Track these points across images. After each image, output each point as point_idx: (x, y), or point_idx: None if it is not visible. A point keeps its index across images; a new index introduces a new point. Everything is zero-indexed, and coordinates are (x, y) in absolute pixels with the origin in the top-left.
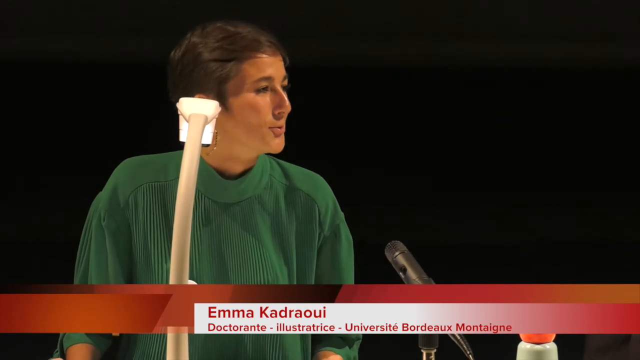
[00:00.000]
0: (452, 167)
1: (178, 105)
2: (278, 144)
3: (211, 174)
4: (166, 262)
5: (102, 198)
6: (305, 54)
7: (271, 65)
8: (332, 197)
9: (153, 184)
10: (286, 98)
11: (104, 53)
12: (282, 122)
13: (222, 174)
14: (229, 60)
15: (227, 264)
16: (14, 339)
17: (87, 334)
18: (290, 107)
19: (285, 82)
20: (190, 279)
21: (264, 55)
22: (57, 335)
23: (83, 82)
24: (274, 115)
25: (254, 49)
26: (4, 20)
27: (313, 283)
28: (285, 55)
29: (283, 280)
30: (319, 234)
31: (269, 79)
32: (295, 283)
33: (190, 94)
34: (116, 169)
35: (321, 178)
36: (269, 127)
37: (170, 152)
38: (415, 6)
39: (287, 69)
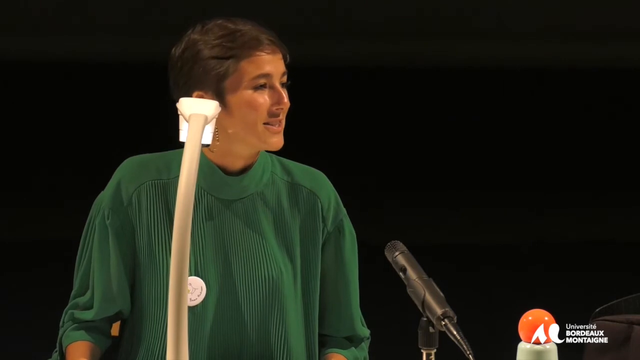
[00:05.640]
0: (453, 168)
1: (178, 105)
2: (276, 141)
3: (214, 170)
4: (170, 260)
5: (105, 197)
6: (304, 53)
7: (269, 63)
8: (334, 193)
9: (156, 181)
10: (285, 95)
11: (106, 53)
12: (280, 118)
13: (224, 170)
14: (228, 58)
15: (231, 260)
16: (14, 338)
17: (87, 332)
18: (289, 104)
19: (285, 79)
20: (195, 275)
21: (263, 53)
22: (57, 335)
23: (84, 82)
24: (271, 112)
25: (252, 47)
26: (5, 20)
27: (318, 279)
28: (286, 53)
29: (287, 276)
30: (323, 230)
31: (267, 76)
32: (299, 279)
33: (189, 91)
34: (119, 168)
35: (322, 174)
36: (265, 124)
37: (172, 151)
38: (416, 6)
39: (287, 66)
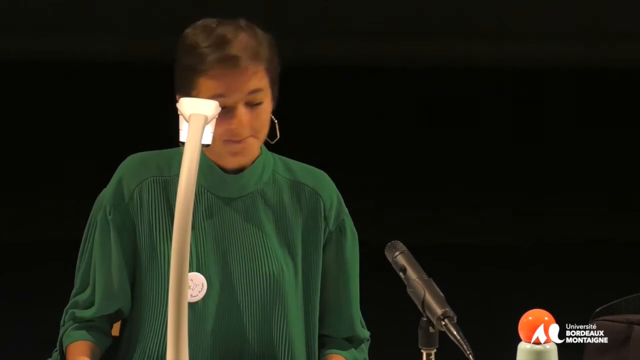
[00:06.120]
0: (453, 168)
1: (178, 105)
2: (231, 161)
3: (213, 169)
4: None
5: (106, 193)
6: (305, 54)
7: (230, 83)
8: (336, 192)
9: (157, 178)
10: (241, 116)
11: (106, 53)
12: (241, 136)
13: (223, 169)
14: (193, 71)
15: (232, 257)
16: (14, 338)
17: (87, 332)
18: (249, 123)
19: (256, 96)
20: (196, 272)
21: (221, 72)
22: (57, 334)
23: (84, 82)
24: (229, 131)
25: (215, 64)
26: (5, 20)
27: (319, 278)
28: (270, 62)
29: (289, 273)
30: (324, 229)
31: (222, 96)
32: (300, 277)
33: (178, 92)
34: (120, 165)
35: (325, 173)
36: (225, 141)
37: (174, 148)
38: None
39: (285, 68)
